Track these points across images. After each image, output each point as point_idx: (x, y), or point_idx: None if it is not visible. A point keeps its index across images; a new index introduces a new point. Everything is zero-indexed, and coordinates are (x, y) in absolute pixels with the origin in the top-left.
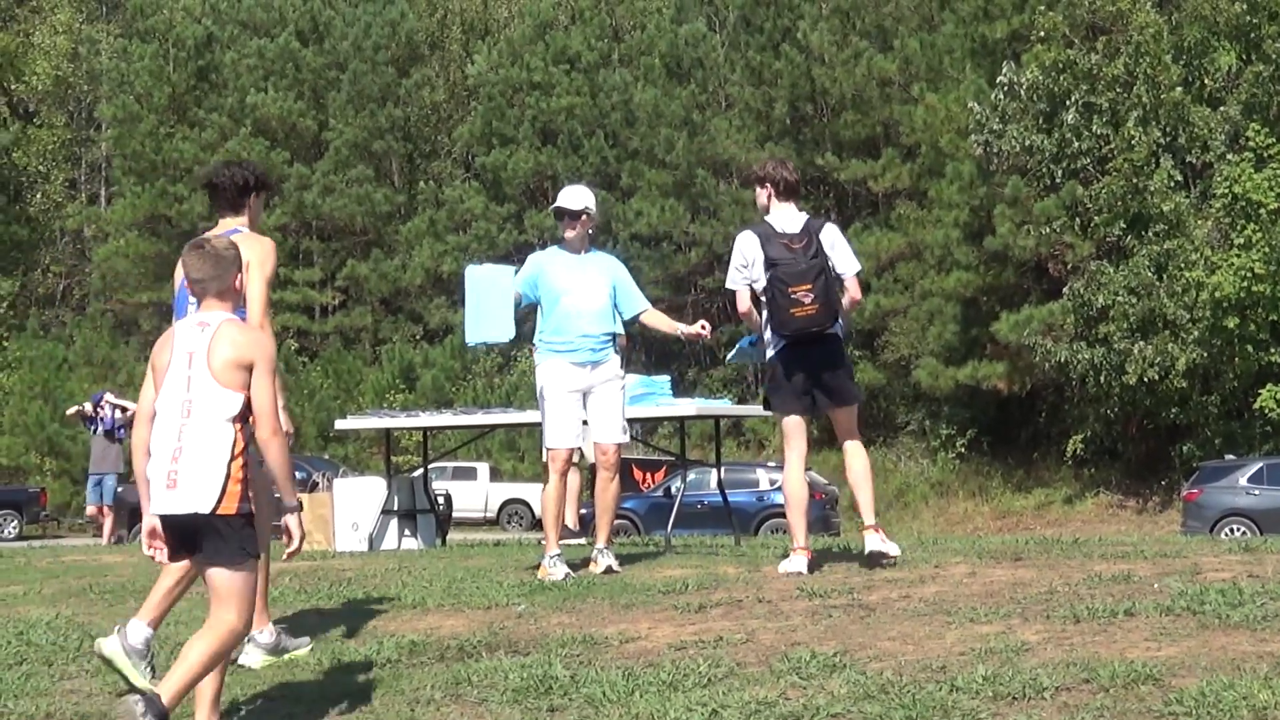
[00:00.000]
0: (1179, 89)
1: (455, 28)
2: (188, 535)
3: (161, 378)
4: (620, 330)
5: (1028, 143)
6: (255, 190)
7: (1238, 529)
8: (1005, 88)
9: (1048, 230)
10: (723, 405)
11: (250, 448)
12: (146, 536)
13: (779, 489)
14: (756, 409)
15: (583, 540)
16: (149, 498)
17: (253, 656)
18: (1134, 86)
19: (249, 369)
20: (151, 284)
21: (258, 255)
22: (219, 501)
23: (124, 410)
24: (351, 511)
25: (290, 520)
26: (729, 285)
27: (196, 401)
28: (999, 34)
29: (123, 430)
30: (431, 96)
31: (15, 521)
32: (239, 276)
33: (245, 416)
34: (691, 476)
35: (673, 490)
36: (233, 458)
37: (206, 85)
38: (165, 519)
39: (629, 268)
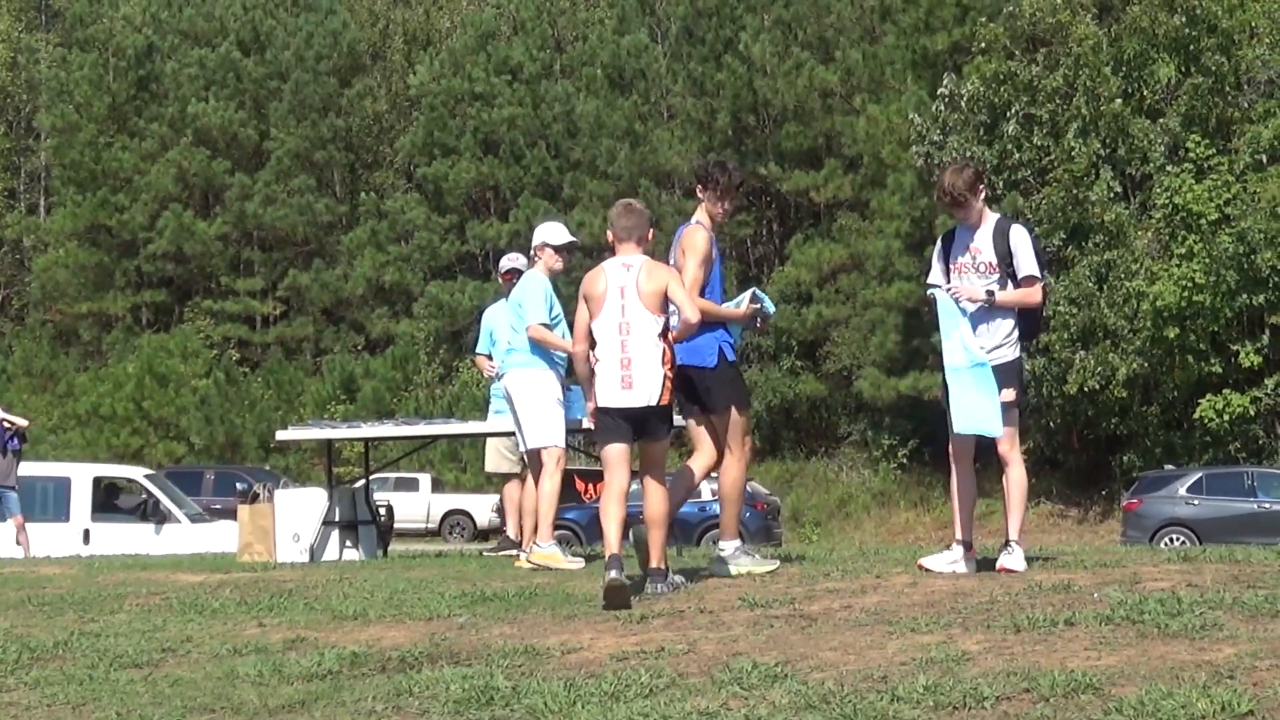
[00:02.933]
0: (1118, 100)
1: (397, 38)
2: (637, 422)
3: (595, 305)
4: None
5: (969, 154)
6: (702, 183)
7: (1177, 539)
8: (946, 99)
9: None
10: None
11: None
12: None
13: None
14: None
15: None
16: (594, 391)
17: (738, 563)
18: (1074, 98)
19: (665, 295)
20: (91, 294)
21: (692, 241)
22: (661, 395)
23: (12, 424)
24: (293, 522)
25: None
26: (1039, 273)
27: (633, 324)
28: (940, 45)
29: (15, 441)
30: (373, 107)
31: None
32: (650, 232)
33: (665, 333)
34: (633, 487)
35: None
36: (664, 363)
37: (147, 95)
38: (623, 410)
39: (570, 279)
